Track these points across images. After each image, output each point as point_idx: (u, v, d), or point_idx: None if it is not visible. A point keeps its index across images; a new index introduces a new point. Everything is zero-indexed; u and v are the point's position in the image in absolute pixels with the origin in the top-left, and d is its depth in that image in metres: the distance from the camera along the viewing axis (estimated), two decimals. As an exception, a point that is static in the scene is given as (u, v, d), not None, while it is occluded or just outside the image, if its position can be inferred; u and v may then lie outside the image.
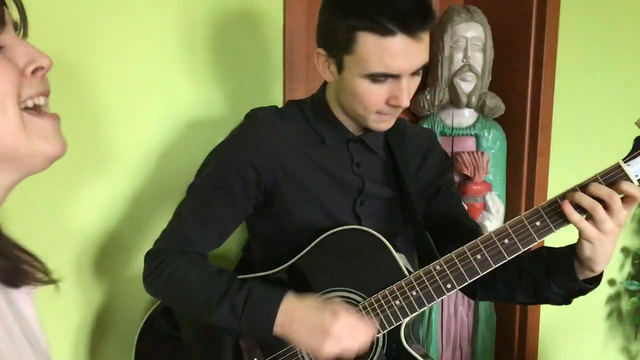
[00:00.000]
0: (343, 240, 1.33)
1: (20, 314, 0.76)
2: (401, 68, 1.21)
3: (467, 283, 1.24)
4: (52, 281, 0.77)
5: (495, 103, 2.08)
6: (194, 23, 1.64)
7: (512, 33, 2.13)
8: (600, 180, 1.17)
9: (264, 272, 1.38)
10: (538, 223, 1.21)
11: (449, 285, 1.25)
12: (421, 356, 1.29)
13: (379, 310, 1.27)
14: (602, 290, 2.45)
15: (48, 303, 1.55)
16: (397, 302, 1.27)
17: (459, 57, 2.04)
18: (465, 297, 2.15)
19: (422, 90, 2.09)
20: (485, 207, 2.13)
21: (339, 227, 1.34)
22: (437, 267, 1.26)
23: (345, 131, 1.38)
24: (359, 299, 1.30)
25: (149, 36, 1.59)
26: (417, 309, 1.26)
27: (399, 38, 1.18)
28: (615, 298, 2.47)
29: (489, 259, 1.23)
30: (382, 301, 1.27)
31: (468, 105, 2.07)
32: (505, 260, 1.23)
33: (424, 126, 2.09)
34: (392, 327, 1.27)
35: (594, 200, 1.15)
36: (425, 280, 1.26)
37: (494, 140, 2.13)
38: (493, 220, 2.13)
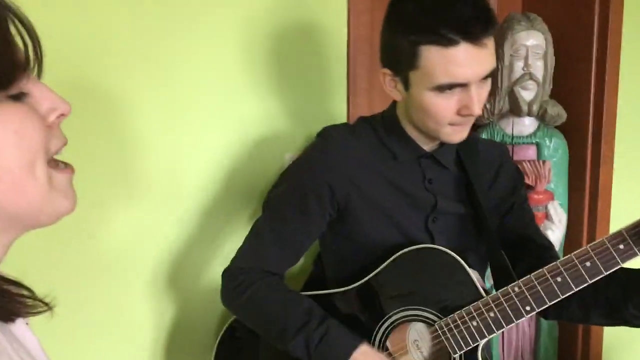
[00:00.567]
0: (418, 259, 1.32)
1: (23, 347, 0.73)
2: (468, 76, 1.20)
3: (546, 306, 1.22)
4: (47, 308, 0.71)
5: (557, 111, 2.05)
6: (258, 40, 1.66)
7: (573, 39, 2.09)
8: None
9: (337, 288, 1.38)
10: (621, 246, 1.19)
11: (527, 308, 1.23)
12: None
13: (455, 331, 1.26)
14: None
15: (121, 319, 1.59)
16: (474, 323, 1.25)
17: (519, 65, 2.01)
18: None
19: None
20: (547, 216, 2.10)
21: (412, 243, 1.34)
22: (516, 289, 1.24)
23: (417, 147, 1.37)
24: (434, 318, 1.29)
25: (215, 55, 1.61)
26: (495, 330, 1.24)
27: (462, 47, 1.17)
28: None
29: (570, 281, 1.21)
30: (459, 321, 1.26)
31: (529, 114, 2.04)
32: (587, 284, 1.21)
33: (484, 136, 2.07)
34: (469, 347, 1.25)
35: None
36: (504, 302, 1.24)
37: (556, 149, 2.10)
38: (555, 230, 2.10)
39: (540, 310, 1.35)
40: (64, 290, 0.88)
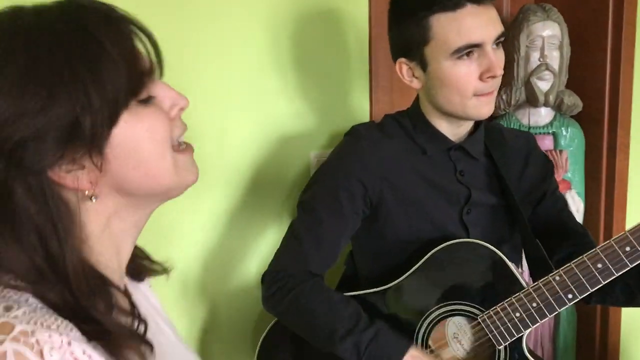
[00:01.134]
0: (457, 253, 1.33)
1: (150, 303, 0.93)
2: (481, 35, 1.23)
3: (589, 292, 1.24)
4: (165, 271, 0.94)
5: (573, 101, 2.06)
6: (281, 38, 1.66)
7: (588, 29, 2.10)
8: None
9: (371, 286, 1.38)
10: None
11: (570, 296, 1.24)
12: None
13: (499, 323, 1.27)
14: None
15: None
16: (517, 314, 1.26)
17: (535, 56, 2.02)
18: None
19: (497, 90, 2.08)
20: (565, 205, 2.11)
21: (447, 237, 1.34)
22: (557, 278, 1.25)
23: (445, 139, 1.38)
24: (476, 311, 1.30)
25: (241, 54, 1.61)
26: (539, 320, 1.25)
27: (468, 8, 1.22)
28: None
29: (610, 267, 1.22)
30: (502, 313, 1.27)
31: (546, 104, 2.05)
32: (628, 269, 1.22)
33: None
34: (514, 339, 1.27)
35: None
36: (545, 292, 1.25)
37: (572, 138, 2.11)
38: (572, 213, 2.12)
39: (585, 297, 1.37)
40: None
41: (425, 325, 1.33)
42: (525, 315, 1.26)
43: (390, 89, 1.82)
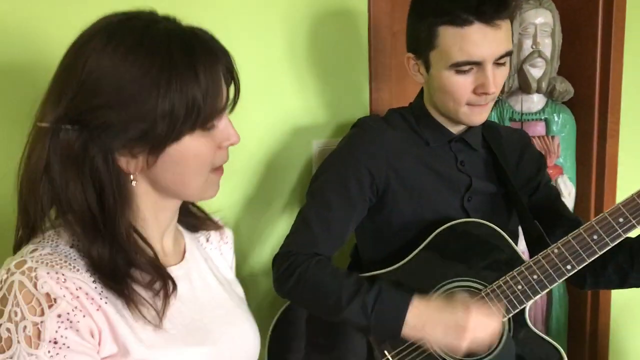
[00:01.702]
0: (460, 232, 1.37)
1: (210, 261, 1.11)
2: (482, 55, 1.28)
3: (586, 263, 1.28)
4: (219, 226, 1.14)
5: (565, 87, 2.10)
6: (288, 35, 1.70)
7: (579, 17, 2.14)
8: None
9: (381, 269, 1.42)
10: None
11: (569, 267, 1.29)
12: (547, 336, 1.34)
13: (502, 296, 1.31)
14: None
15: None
16: (519, 287, 1.30)
17: (528, 43, 2.06)
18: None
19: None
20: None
21: (449, 222, 1.38)
22: (555, 250, 1.30)
23: (446, 132, 1.44)
24: (480, 287, 1.34)
25: (251, 49, 1.65)
26: (540, 291, 1.30)
27: (476, 27, 1.26)
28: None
29: (605, 238, 1.27)
30: (504, 287, 1.31)
31: (538, 91, 2.09)
32: (622, 238, 1.27)
33: (493, 113, 2.12)
34: (517, 310, 1.31)
35: None
36: (545, 264, 1.30)
37: (564, 124, 2.15)
38: (565, 202, 2.16)
39: (578, 281, 1.43)
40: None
41: (431, 301, 1.36)
42: (527, 287, 1.30)
43: (389, 79, 1.85)
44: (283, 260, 1.36)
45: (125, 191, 0.86)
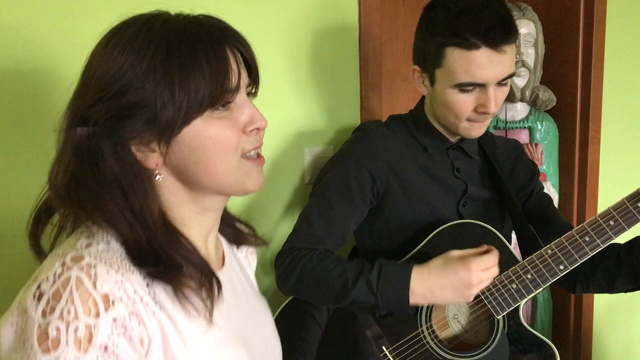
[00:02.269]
0: (456, 233, 1.42)
1: (244, 270, 1.08)
2: (486, 78, 1.33)
3: (578, 263, 1.33)
4: (263, 243, 1.10)
5: (548, 96, 2.16)
6: (279, 42, 1.73)
7: (561, 27, 2.21)
8: None
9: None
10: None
11: (561, 267, 1.33)
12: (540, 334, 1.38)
13: (497, 294, 1.35)
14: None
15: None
16: (514, 286, 1.35)
17: (512, 53, 2.12)
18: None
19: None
20: (541, 196, 2.21)
21: (445, 224, 1.42)
22: (549, 251, 1.34)
23: (444, 139, 1.49)
24: (475, 286, 1.38)
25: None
26: (534, 290, 1.34)
27: (483, 51, 1.31)
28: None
29: (596, 239, 1.33)
30: (499, 285, 1.35)
31: (522, 100, 2.15)
32: (612, 240, 1.32)
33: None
34: (511, 308, 1.35)
35: None
36: (539, 264, 1.34)
37: (547, 132, 2.22)
38: (557, 210, 2.22)
39: (569, 285, 1.48)
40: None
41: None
42: (521, 286, 1.34)
43: (378, 88, 1.89)
44: (285, 256, 1.39)
45: (150, 187, 0.82)
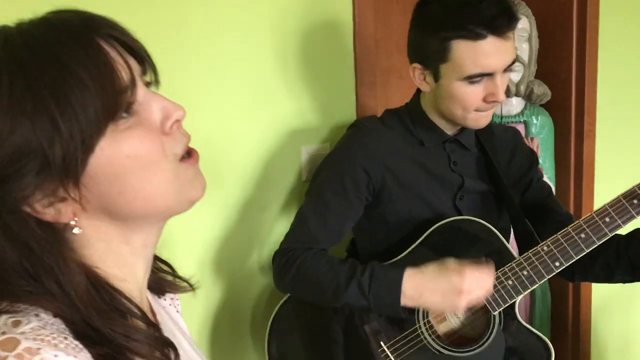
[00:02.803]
0: (453, 230, 1.43)
1: (171, 318, 0.87)
2: (495, 66, 1.33)
3: (574, 260, 1.34)
4: (191, 288, 0.87)
5: (543, 90, 2.17)
6: (276, 41, 1.73)
7: (555, 22, 2.22)
8: None
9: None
10: (635, 201, 1.31)
11: (557, 264, 1.34)
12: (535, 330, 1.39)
13: (493, 290, 1.36)
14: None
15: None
16: (510, 282, 1.36)
17: (506, 48, 2.13)
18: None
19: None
20: (537, 190, 2.23)
21: (442, 219, 1.43)
22: (545, 248, 1.35)
23: (441, 133, 1.49)
24: (472, 282, 1.39)
25: (241, 55, 1.69)
26: (529, 286, 1.35)
27: (489, 40, 1.30)
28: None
29: (592, 236, 1.33)
30: (496, 282, 1.36)
31: (517, 94, 2.16)
32: (608, 237, 1.33)
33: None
34: (507, 304, 1.36)
35: None
36: (535, 261, 1.35)
37: (542, 126, 2.22)
38: (556, 199, 2.23)
39: (568, 274, 1.48)
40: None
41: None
42: (517, 283, 1.35)
43: (374, 85, 1.90)
44: (282, 256, 1.41)
45: (68, 251, 0.64)
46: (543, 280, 1.35)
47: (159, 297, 0.86)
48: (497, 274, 1.36)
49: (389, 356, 1.40)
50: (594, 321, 2.41)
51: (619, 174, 2.27)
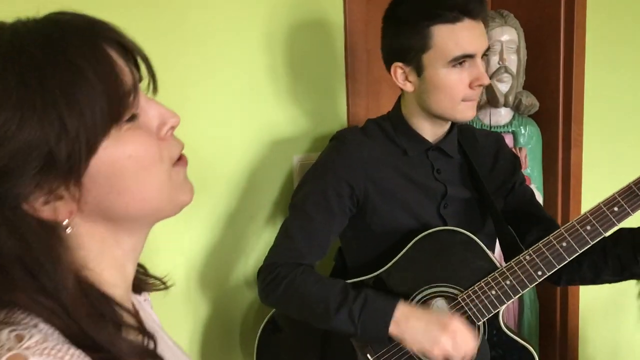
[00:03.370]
0: (436, 240, 1.44)
1: (152, 319, 0.91)
2: (475, 47, 1.38)
3: (556, 269, 1.36)
4: (165, 286, 0.90)
5: (531, 101, 2.20)
6: (268, 50, 1.76)
7: (542, 33, 2.25)
8: None
9: (361, 275, 1.49)
10: (616, 209, 1.34)
11: (539, 273, 1.37)
12: (521, 339, 1.41)
13: (477, 301, 1.38)
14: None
15: (159, 314, 1.65)
16: (493, 292, 1.38)
17: (495, 59, 2.16)
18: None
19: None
20: (525, 199, 2.25)
21: (427, 229, 1.45)
22: (527, 257, 1.38)
23: (424, 141, 1.50)
24: (456, 292, 1.41)
25: (233, 63, 1.71)
26: (512, 296, 1.38)
27: (466, 22, 1.36)
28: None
29: (574, 245, 1.36)
30: (479, 292, 1.39)
31: (505, 105, 2.18)
32: (589, 245, 1.35)
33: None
34: (491, 314, 1.38)
35: None
36: (517, 270, 1.38)
37: (530, 136, 2.25)
38: (539, 202, 2.25)
39: (553, 278, 1.49)
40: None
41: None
42: (500, 293, 1.38)
43: (365, 94, 1.93)
44: (268, 272, 1.42)
45: (63, 250, 0.64)
46: (526, 290, 1.38)
47: (137, 294, 0.89)
48: (480, 284, 1.39)
49: None
50: (582, 328, 2.43)
51: (607, 183, 2.28)
